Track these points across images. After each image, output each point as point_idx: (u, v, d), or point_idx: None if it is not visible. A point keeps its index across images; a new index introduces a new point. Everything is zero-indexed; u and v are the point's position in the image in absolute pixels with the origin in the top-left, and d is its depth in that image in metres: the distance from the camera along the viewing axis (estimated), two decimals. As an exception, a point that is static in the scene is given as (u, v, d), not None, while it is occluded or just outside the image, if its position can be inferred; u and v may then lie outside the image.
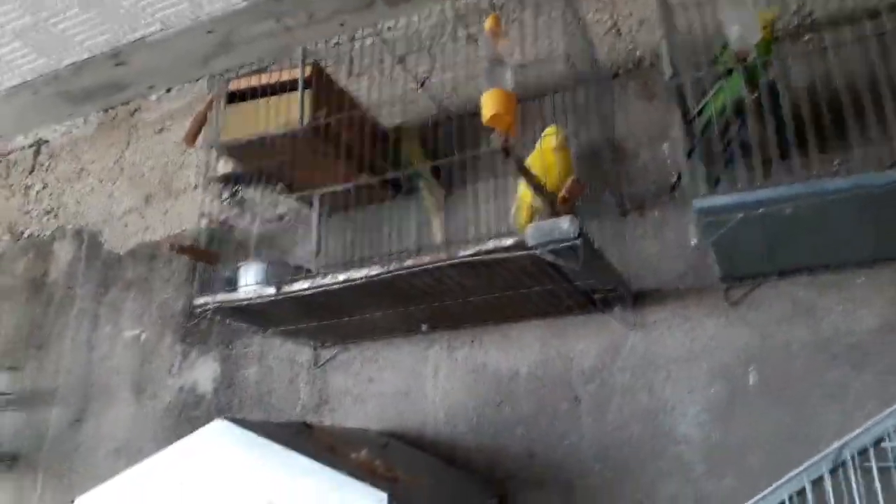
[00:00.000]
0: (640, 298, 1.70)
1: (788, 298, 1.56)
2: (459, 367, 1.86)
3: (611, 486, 1.60)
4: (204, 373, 2.24)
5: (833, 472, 1.26)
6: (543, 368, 1.75)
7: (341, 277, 1.49)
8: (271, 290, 1.58)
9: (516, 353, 1.80)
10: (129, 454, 2.25)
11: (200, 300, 1.65)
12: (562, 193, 1.23)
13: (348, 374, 2.01)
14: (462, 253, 1.34)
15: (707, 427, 1.55)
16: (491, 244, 1.31)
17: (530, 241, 1.27)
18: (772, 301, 1.57)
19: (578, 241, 1.23)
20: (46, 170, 2.97)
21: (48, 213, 2.87)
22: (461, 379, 1.85)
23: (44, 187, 2.94)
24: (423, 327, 1.87)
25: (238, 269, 1.73)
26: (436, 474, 1.65)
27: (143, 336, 2.40)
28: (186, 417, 2.21)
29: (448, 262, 1.36)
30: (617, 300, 1.66)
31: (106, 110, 2.89)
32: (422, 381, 1.89)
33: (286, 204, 2.25)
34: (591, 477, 1.62)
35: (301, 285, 1.54)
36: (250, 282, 1.66)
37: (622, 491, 1.58)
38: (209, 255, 1.76)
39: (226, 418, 1.32)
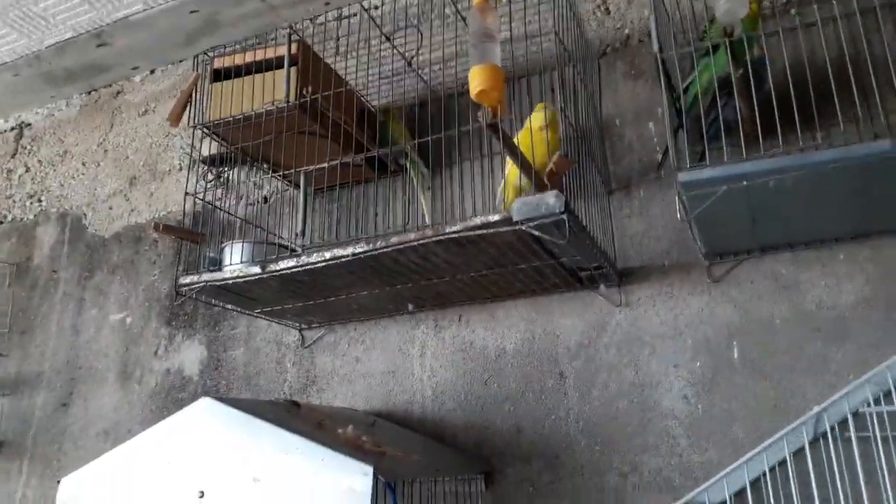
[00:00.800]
0: (625, 276, 1.71)
1: (771, 274, 1.58)
2: (446, 345, 1.87)
3: (597, 459, 1.62)
4: (190, 355, 2.24)
5: (813, 443, 1.28)
6: (530, 346, 1.77)
7: (328, 255, 1.49)
8: (257, 269, 1.57)
9: (503, 331, 1.81)
10: (117, 437, 2.25)
11: (186, 279, 1.64)
12: (549, 167, 1.23)
13: (335, 354, 2.01)
14: (449, 229, 1.34)
15: (691, 401, 1.57)
16: (478, 220, 1.31)
17: (516, 216, 1.27)
18: (754, 277, 1.59)
19: (564, 216, 1.23)
20: (29, 153, 2.93)
21: (31, 196, 2.83)
22: (448, 357, 1.86)
23: (26, 171, 2.90)
24: (410, 307, 1.87)
25: (223, 249, 1.73)
26: (424, 451, 1.66)
27: (129, 319, 2.39)
28: (173, 400, 2.21)
29: (434, 238, 1.36)
30: (602, 278, 1.67)
31: (89, 92, 2.86)
32: (409, 361, 1.90)
33: (270, 185, 2.24)
34: (577, 451, 1.64)
35: (287, 263, 1.54)
36: (235, 261, 1.66)
37: (608, 464, 1.60)
38: (194, 235, 1.76)
39: (211, 396, 1.32)
